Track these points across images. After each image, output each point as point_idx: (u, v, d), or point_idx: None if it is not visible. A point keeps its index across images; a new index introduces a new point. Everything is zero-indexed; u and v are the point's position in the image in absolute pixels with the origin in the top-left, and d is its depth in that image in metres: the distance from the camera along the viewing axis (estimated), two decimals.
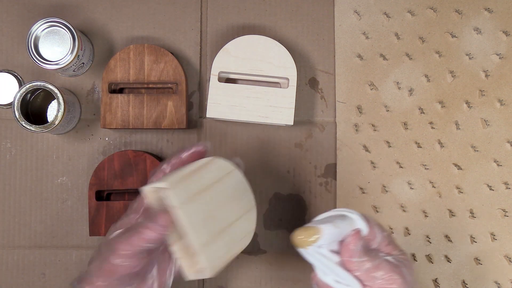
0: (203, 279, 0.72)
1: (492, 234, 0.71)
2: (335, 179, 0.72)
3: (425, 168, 0.72)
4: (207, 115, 0.68)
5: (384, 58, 0.73)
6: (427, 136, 0.72)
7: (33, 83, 0.64)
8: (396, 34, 0.73)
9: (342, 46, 0.73)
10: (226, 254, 0.53)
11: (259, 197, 0.72)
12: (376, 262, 0.49)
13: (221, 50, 0.69)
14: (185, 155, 0.56)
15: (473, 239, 0.72)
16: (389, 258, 0.51)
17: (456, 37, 0.73)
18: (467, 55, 0.73)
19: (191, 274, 0.53)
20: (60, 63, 0.66)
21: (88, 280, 0.51)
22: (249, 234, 0.56)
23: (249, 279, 0.72)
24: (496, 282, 0.71)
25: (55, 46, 0.67)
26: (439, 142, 0.72)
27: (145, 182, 0.63)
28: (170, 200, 0.51)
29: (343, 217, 0.51)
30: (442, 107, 0.72)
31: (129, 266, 0.49)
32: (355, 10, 0.74)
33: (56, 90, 0.64)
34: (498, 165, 0.72)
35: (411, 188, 0.72)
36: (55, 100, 0.67)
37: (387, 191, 0.72)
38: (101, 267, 0.50)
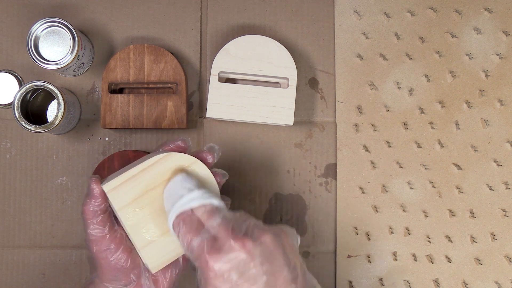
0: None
1: (492, 234, 0.71)
2: (335, 179, 0.72)
3: (425, 168, 0.72)
4: (207, 115, 0.68)
5: (384, 58, 0.73)
6: (427, 136, 0.72)
7: (33, 83, 0.64)
8: (396, 34, 0.73)
9: (342, 46, 0.73)
10: (168, 254, 0.53)
11: (259, 197, 0.72)
12: None
13: (221, 50, 0.69)
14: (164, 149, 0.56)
15: (473, 239, 0.72)
16: None
17: (456, 37, 0.73)
18: (467, 55, 0.73)
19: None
20: (60, 63, 0.66)
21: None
22: None
23: None
24: (496, 282, 0.71)
25: (55, 46, 0.67)
26: (439, 142, 0.72)
27: None
28: (110, 203, 0.52)
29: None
30: (442, 107, 0.72)
31: (101, 234, 0.53)
32: (355, 10, 0.74)
33: (56, 90, 0.64)
34: (498, 165, 0.72)
35: (411, 188, 0.72)
36: (55, 100, 0.67)
37: (387, 191, 0.72)
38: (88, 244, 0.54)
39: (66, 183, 0.72)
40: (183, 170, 0.53)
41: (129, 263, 0.54)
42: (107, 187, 0.52)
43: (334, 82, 0.73)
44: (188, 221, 0.48)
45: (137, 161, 0.55)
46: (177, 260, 0.56)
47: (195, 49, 0.73)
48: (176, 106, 0.68)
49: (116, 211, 0.52)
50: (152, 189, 0.53)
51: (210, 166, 0.55)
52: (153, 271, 0.53)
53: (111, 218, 0.54)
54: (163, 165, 0.53)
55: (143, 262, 0.55)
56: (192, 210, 0.49)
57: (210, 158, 0.56)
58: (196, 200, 0.49)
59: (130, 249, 0.54)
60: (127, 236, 0.54)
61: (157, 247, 0.53)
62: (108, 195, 0.52)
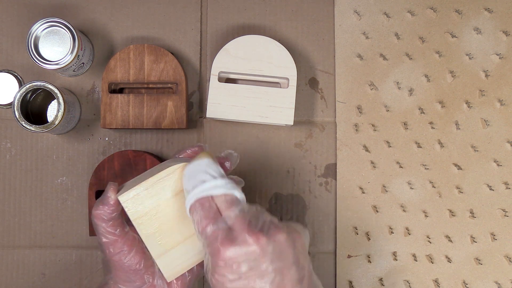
0: (203, 280, 0.72)
1: (492, 234, 0.71)
2: (335, 179, 0.72)
3: (425, 168, 0.72)
4: (207, 115, 0.68)
5: (384, 58, 0.73)
6: (427, 136, 0.72)
7: (33, 83, 0.64)
8: (396, 34, 0.73)
9: (342, 46, 0.73)
10: (184, 263, 0.53)
11: (259, 197, 0.72)
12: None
13: (221, 50, 0.69)
14: (182, 156, 0.56)
15: (473, 239, 0.72)
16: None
17: (456, 37, 0.73)
18: (467, 55, 0.73)
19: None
20: (60, 63, 0.66)
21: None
22: None
23: None
24: (496, 282, 0.71)
25: (55, 46, 0.67)
26: (439, 142, 0.72)
27: None
28: (126, 213, 0.52)
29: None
30: (442, 107, 0.72)
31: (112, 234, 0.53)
32: (355, 10, 0.74)
33: (56, 90, 0.64)
34: (498, 165, 0.72)
35: (411, 188, 0.72)
36: (55, 100, 0.67)
37: (387, 191, 0.72)
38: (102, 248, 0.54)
39: (66, 183, 0.72)
40: (208, 154, 0.52)
41: (142, 265, 0.54)
42: (123, 197, 0.52)
43: (334, 82, 0.73)
44: (207, 207, 0.49)
45: (154, 168, 0.54)
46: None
47: (195, 49, 0.73)
48: (176, 106, 0.68)
49: (132, 221, 0.52)
50: (168, 199, 0.52)
51: (227, 173, 0.55)
52: (169, 280, 0.53)
53: (123, 221, 0.54)
54: (180, 175, 0.53)
55: (158, 267, 0.55)
56: (212, 197, 0.49)
57: (227, 165, 0.56)
58: (219, 188, 0.49)
59: (143, 251, 0.54)
60: (140, 238, 0.54)
61: (173, 256, 0.53)
62: (124, 205, 0.52)
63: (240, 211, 0.49)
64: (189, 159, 0.53)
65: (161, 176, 0.52)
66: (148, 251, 0.53)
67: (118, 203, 0.52)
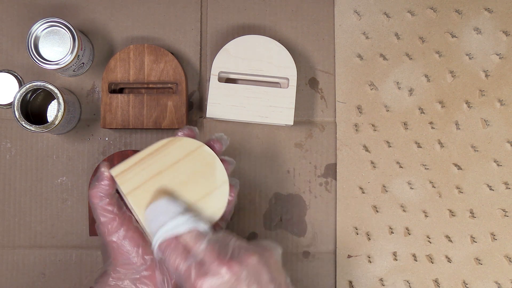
0: None
1: (492, 234, 0.71)
2: (335, 179, 0.72)
3: (425, 168, 0.72)
4: (207, 115, 0.68)
5: (384, 58, 0.73)
6: (427, 136, 0.72)
7: (33, 83, 0.64)
8: (396, 34, 0.73)
9: (342, 46, 0.73)
10: None
11: (259, 197, 0.72)
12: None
13: (221, 50, 0.69)
14: None
15: (473, 239, 0.72)
16: None
17: (456, 37, 0.73)
18: (467, 55, 0.73)
19: None
20: (60, 63, 0.66)
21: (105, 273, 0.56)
22: (217, 211, 0.55)
23: None
24: (496, 282, 0.71)
25: (55, 46, 0.67)
26: (439, 142, 0.72)
27: None
28: (119, 188, 0.53)
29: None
30: (442, 107, 0.72)
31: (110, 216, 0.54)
32: (355, 10, 0.74)
33: (56, 90, 0.64)
34: (498, 165, 0.72)
35: (411, 188, 0.72)
36: (55, 100, 0.67)
37: (387, 191, 0.72)
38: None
39: (66, 183, 0.72)
40: (167, 193, 0.53)
41: (140, 244, 0.55)
42: (115, 171, 0.53)
43: (334, 82, 0.73)
44: (174, 247, 0.49)
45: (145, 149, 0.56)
46: None
47: (195, 49, 0.73)
48: (176, 106, 0.68)
49: (125, 195, 0.53)
50: (160, 173, 0.53)
51: (219, 154, 0.56)
52: None
53: (118, 201, 0.55)
54: (169, 148, 0.54)
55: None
56: (177, 236, 0.50)
57: (217, 146, 0.57)
58: (182, 226, 0.50)
59: (141, 231, 0.55)
60: (136, 217, 0.55)
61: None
62: (116, 179, 0.53)
63: (207, 242, 0.49)
64: (179, 137, 0.55)
65: (152, 150, 0.54)
66: (142, 228, 0.54)
67: (112, 179, 0.54)
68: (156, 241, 0.50)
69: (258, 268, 0.48)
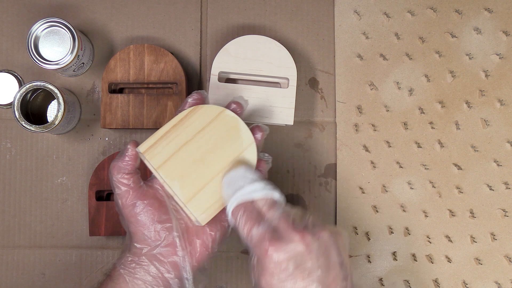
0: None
1: (492, 234, 0.71)
2: (335, 179, 0.72)
3: (425, 168, 0.72)
4: None
5: (384, 58, 0.73)
6: (427, 136, 0.72)
7: (33, 83, 0.64)
8: (396, 34, 0.73)
9: (342, 46, 0.73)
10: (216, 203, 0.54)
11: None
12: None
13: (221, 50, 0.69)
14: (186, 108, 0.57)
15: (473, 239, 0.72)
16: None
17: (456, 37, 0.73)
18: (467, 55, 0.73)
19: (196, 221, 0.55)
20: (60, 63, 0.66)
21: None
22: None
23: (249, 279, 0.72)
24: (496, 282, 0.71)
25: (55, 46, 0.67)
26: (439, 142, 0.72)
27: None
28: (147, 164, 0.54)
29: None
30: (442, 107, 0.73)
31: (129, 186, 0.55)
32: (355, 10, 0.74)
33: (56, 90, 0.64)
34: (498, 165, 0.72)
35: (411, 188, 0.72)
36: (55, 100, 0.67)
37: (387, 191, 0.72)
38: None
39: (66, 183, 0.72)
40: (244, 162, 0.54)
41: (156, 219, 0.54)
42: (143, 147, 0.53)
43: (334, 82, 0.73)
44: (249, 211, 0.50)
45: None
46: (216, 228, 0.56)
47: (195, 49, 0.73)
48: (176, 106, 0.68)
49: (156, 169, 0.53)
50: (186, 144, 0.54)
51: (241, 115, 0.57)
52: (203, 223, 0.54)
53: (138, 177, 0.55)
54: (192, 118, 0.55)
55: (189, 217, 0.55)
56: (253, 200, 0.51)
57: (238, 108, 0.57)
58: (259, 191, 0.51)
59: (158, 206, 0.55)
60: (162, 192, 0.55)
61: (203, 198, 0.54)
62: (145, 155, 0.53)
63: (282, 211, 0.50)
64: (199, 105, 0.55)
65: (175, 121, 0.54)
66: (177, 201, 0.54)
67: (136, 157, 0.54)
68: (232, 204, 0.51)
69: (328, 244, 0.49)
